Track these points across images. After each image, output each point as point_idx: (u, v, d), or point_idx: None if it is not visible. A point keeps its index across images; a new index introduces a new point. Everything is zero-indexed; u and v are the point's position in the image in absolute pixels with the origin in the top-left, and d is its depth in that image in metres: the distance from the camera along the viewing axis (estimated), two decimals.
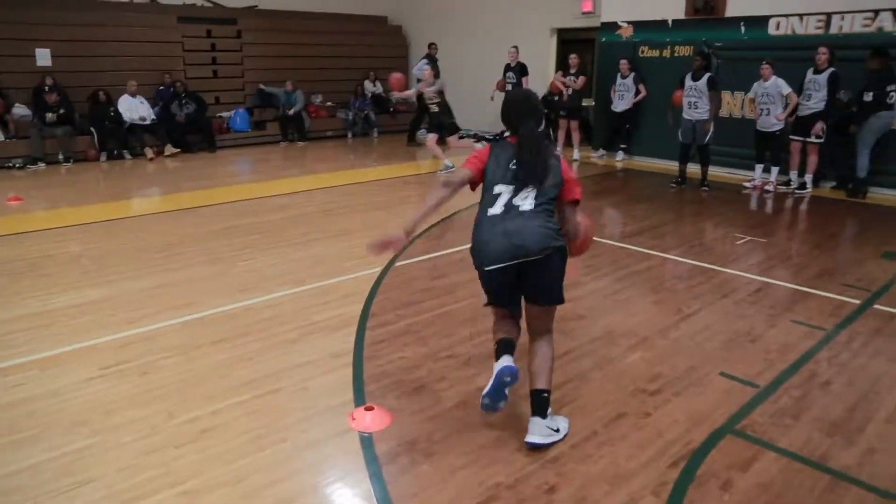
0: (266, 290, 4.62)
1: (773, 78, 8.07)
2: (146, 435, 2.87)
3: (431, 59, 12.53)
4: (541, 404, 2.77)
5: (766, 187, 8.37)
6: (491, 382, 2.75)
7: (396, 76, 10.11)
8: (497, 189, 2.81)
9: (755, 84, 8.29)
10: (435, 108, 9.44)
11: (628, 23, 10.66)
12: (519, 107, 2.95)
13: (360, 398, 3.17)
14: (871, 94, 7.74)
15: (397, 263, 5.23)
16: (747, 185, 8.55)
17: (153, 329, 3.99)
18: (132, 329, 3.99)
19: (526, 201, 2.75)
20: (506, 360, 2.76)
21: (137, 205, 8.01)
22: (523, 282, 2.78)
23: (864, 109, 7.85)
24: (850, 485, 2.54)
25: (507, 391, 2.76)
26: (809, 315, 4.24)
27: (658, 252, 5.64)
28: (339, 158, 11.18)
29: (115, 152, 10.92)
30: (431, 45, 12.61)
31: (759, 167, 8.54)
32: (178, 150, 11.36)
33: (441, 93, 9.46)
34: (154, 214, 7.22)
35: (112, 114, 10.93)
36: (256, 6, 14.09)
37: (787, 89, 8.00)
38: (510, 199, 2.77)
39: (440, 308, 4.30)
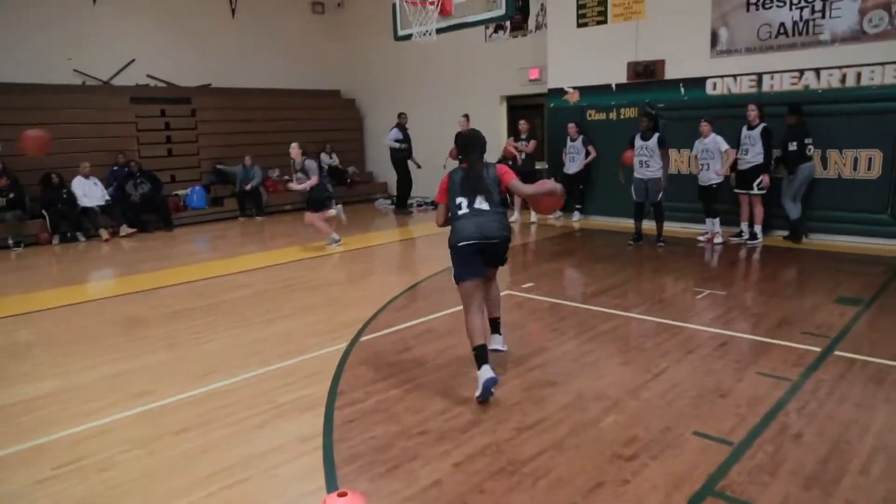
0: (228, 374, 4.49)
1: (712, 135, 8.47)
2: None
3: (402, 128, 12.73)
4: (496, 326, 4.62)
5: (716, 239, 8.63)
6: (480, 390, 3.83)
7: (31, 136, 7.42)
8: (458, 200, 4.14)
9: (696, 141, 8.67)
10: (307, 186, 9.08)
11: (574, 88, 11.08)
12: (468, 141, 4.28)
13: (332, 483, 3.06)
14: (794, 144, 8.24)
15: (362, 338, 5.17)
16: (701, 238, 8.80)
17: (111, 421, 3.82)
18: (88, 422, 3.80)
19: (483, 204, 4.10)
20: (487, 372, 3.82)
21: (92, 289, 7.81)
22: (484, 257, 4.10)
23: (790, 159, 8.32)
24: None
25: (492, 390, 3.84)
26: (774, 366, 4.31)
27: (621, 311, 5.70)
28: (298, 233, 11.14)
29: (69, 235, 10.72)
30: (401, 115, 12.82)
31: (708, 221, 8.81)
32: (134, 229, 11.21)
33: (312, 169, 9.09)
34: (110, 298, 7.01)
35: (65, 196, 10.76)
36: (210, 84, 14.24)
37: (724, 146, 8.40)
38: (470, 204, 4.10)
39: (409, 382, 4.23)
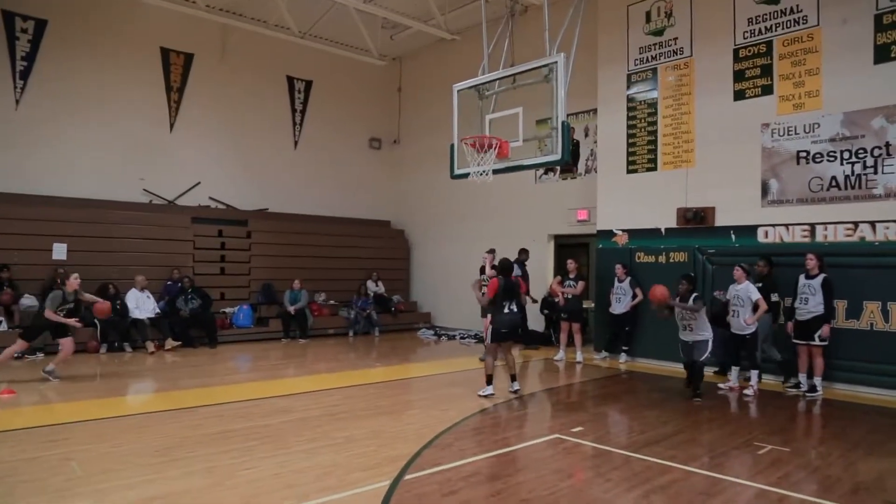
0: None
1: (746, 282, 8.31)
2: None
3: (521, 265, 11.41)
4: (514, 378, 8.12)
5: (745, 391, 8.26)
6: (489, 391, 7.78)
7: None
8: (504, 303, 7.79)
9: (730, 286, 8.54)
10: None
11: (623, 231, 11.20)
12: (508, 266, 8.06)
13: None
14: (775, 295, 8.63)
15: (406, 476, 4.93)
16: (722, 386, 8.46)
17: None
18: None
19: (513, 306, 7.92)
20: (491, 389, 7.85)
21: (133, 402, 7.79)
22: (508, 335, 7.95)
23: (773, 309, 8.57)
24: None
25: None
26: None
27: (679, 464, 5.36)
28: (341, 358, 11.10)
29: (116, 345, 10.87)
30: (522, 251, 11.65)
31: (734, 369, 8.52)
32: (179, 342, 11.33)
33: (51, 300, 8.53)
34: (150, 414, 6.95)
35: (118, 306, 11.03)
36: (267, 209, 14.88)
37: (756, 295, 8.18)
38: (510, 306, 7.86)
39: None
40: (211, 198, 14.18)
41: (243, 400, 7.52)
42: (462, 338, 13.48)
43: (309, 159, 15.70)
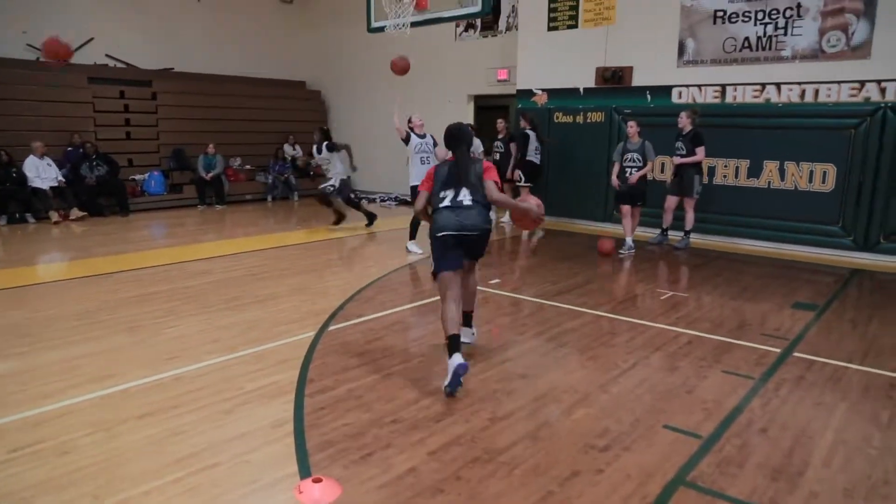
0: (194, 359, 4.38)
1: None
2: None
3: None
4: (468, 319, 4.53)
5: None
6: (450, 378, 3.75)
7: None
8: (442, 193, 4.15)
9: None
10: None
11: (542, 90, 11.18)
12: (454, 135, 4.25)
13: (305, 469, 3.01)
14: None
15: (331, 327, 5.10)
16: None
17: (71, 404, 3.68)
18: (47, 405, 3.66)
19: (467, 198, 4.09)
20: (458, 358, 3.76)
21: (45, 271, 7.53)
22: (463, 249, 4.10)
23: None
24: None
25: (461, 380, 3.77)
26: (737, 365, 4.42)
27: (588, 309, 5.77)
28: (260, 223, 10.98)
29: (18, 216, 10.30)
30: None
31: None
32: (86, 213, 10.84)
33: None
34: (65, 281, 6.77)
35: (14, 175, 10.35)
36: (172, 68, 13.89)
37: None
38: (454, 197, 4.10)
39: (379, 372, 4.19)
40: (108, 55, 13.04)
41: (162, 264, 7.40)
42: (382, 200, 13.51)
43: (214, 13, 14.51)
